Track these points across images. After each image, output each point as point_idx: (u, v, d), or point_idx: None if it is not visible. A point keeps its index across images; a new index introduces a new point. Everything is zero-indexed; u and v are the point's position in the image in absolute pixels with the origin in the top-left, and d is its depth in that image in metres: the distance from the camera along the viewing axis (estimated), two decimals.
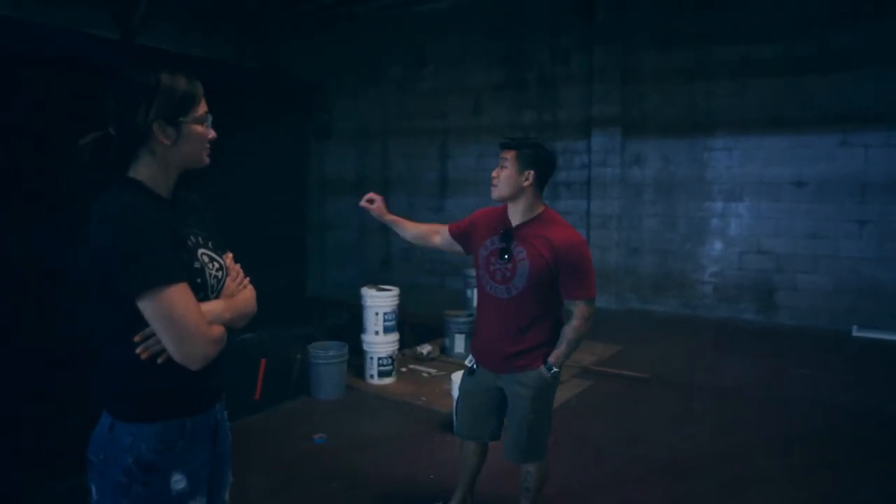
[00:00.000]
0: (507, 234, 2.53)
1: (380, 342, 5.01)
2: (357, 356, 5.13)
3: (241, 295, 1.63)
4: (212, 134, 1.58)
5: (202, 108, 1.55)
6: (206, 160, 1.59)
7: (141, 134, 1.46)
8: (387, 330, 5.03)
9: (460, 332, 5.71)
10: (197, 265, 1.51)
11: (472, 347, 2.74)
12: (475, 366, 2.68)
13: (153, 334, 1.41)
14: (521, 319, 2.53)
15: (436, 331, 6.20)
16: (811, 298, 7.07)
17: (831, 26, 6.72)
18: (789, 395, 4.81)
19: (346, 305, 7.56)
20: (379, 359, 5.02)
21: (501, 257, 2.50)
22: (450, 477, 3.56)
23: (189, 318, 1.39)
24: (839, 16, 6.69)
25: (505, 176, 2.50)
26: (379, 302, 5.04)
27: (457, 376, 4.13)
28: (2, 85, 5.51)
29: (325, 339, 5.23)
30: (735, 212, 7.47)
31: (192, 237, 1.55)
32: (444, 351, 5.84)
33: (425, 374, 5.31)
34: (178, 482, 1.50)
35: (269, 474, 3.58)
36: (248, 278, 1.69)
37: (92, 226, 1.39)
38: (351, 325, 5.94)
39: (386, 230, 10.01)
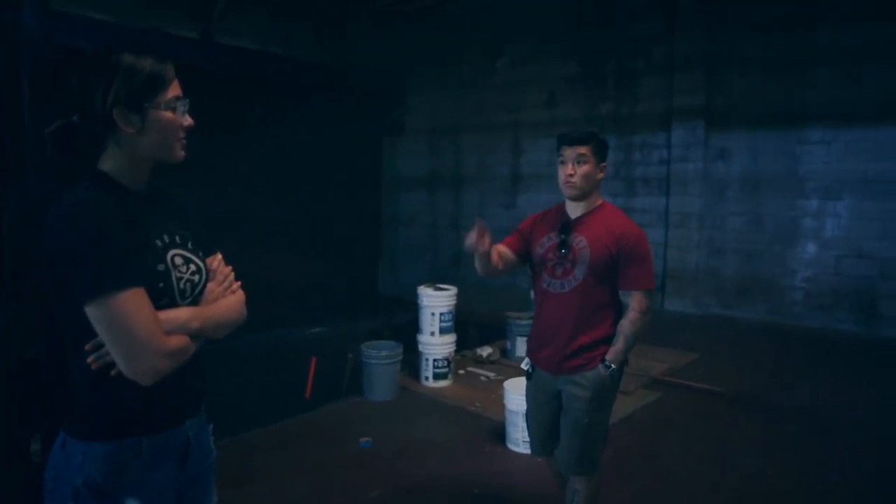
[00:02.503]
0: (566, 227, 2.44)
1: (435, 343, 4.85)
2: (415, 356, 4.99)
3: (222, 301, 1.47)
4: (187, 121, 1.41)
5: (172, 91, 1.38)
6: (180, 153, 1.42)
7: (103, 121, 1.33)
8: (443, 331, 4.86)
9: (521, 335, 5.46)
10: (161, 268, 1.37)
11: (528, 350, 2.60)
12: (531, 369, 2.56)
13: (104, 344, 1.28)
14: (581, 313, 2.40)
15: (499, 332, 5.98)
16: None
17: None
18: (884, 421, 4.27)
19: (414, 303, 7.48)
20: (434, 360, 4.86)
21: (560, 250, 2.41)
22: (496, 491, 3.36)
23: (139, 327, 1.24)
24: None
25: (583, 172, 2.39)
26: (435, 302, 4.88)
27: (511, 385, 3.91)
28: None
29: (390, 337, 5.12)
30: (832, 211, 6.79)
31: (164, 237, 1.41)
32: (506, 354, 5.62)
33: (483, 378, 5.11)
34: None
35: (309, 477, 3.49)
36: (238, 283, 1.54)
37: (46, 224, 1.27)
38: (414, 324, 5.83)
39: (458, 227, 9.97)
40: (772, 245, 7.12)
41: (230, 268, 1.55)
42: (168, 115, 1.38)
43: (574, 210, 2.48)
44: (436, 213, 10.24)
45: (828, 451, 3.84)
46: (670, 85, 7.57)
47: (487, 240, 2.31)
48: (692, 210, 7.47)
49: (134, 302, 1.25)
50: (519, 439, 3.77)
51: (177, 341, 1.32)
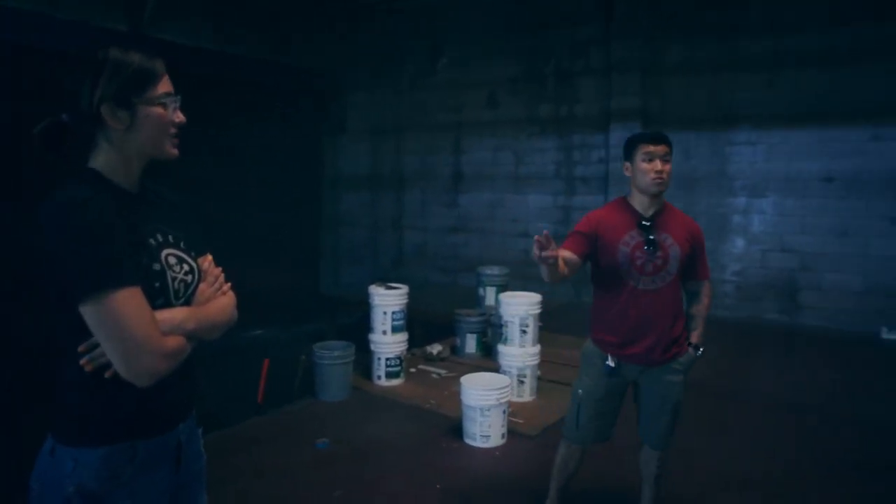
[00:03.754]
0: (648, 226, 2.53)
1: (388, 342, 4.84)
2: (366, 356, 4.97)
3: (215, 302, 1.45)
4: (179, 118, 1.39)
5: (163, 87, 1.36)
6: (172, 150, 1.40)
7: (92, 118, 1.29)
8: (395, 329, 4.86)
9: (472, 332, 5.53)
10: (156, 267, 1.34)
11: (609, 347, 2.61)
12: (616, 365, 2.60)
13: (99, 345, 1.24)
14: (675, 306, 2.59)
15: (447, 330, 6.03)
16: (838, 299, 6.78)
17: (863, 17, 6.42)
18: (817, 403, 4.56)
19: (357, 304, 7.42)
20: (387, 359, 4.85)
21: (647, 248, 2.50)
22: (459, 485, 3.39)
23: (137, 327, 1.21)
24: (873, 6, 6.38)
25: (669, 170, 2.51)
26: (387, 300, 4.87)
27: (467, 380, 3.96)
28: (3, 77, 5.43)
29: (335, 338, 5.07)
30: (759, 208, 7.19)
31: (157, 236, 1.38)
32: (455, 351, 5.66)
33: (435, 376, 5.14)
34: None
35: (267, 480, 3.43)
36: (228, 284, 1.52)
37: (37, 223, 1.22)
38: (361, 325, 5.79)
39: (400, 227, 9.97)
40: (706, 241, 7.44)
41: (220, 269, 1.52)
42: (158, 110, 1.36)
43: (646, 208, 2.56)
44: (377, 214, 10.19)
45: (763, 431, 4.08)
46: (608, 87, 7.81)
47: (554, 249, 2.29)
48: None
49: (131, 301, 1.22)
50: (476, 434, 3.83)
51: (174, 342, 1.30)
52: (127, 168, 1.37)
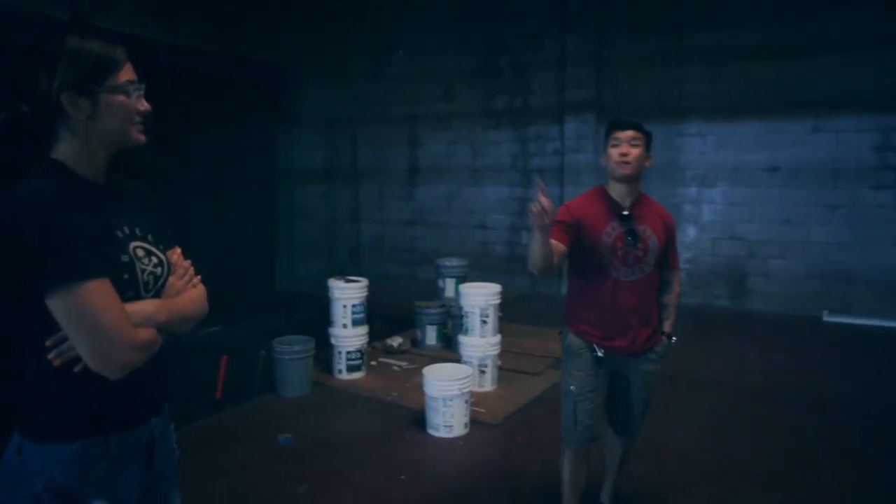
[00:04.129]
0: (626, 217, 2.52)
1: (348, 335, 4.82)
2: (325, 350, 4.93)
3: (186, 294, 1.43)
4: (143, 106, 1.37)
5: (125, 75, 1.34)
6: (139, 137, 1.38)
7: (52, 108, 1.26)
8: (355, 323, 4.84)
9: (432, 324, 5.54)
10: (125, 259, 1.32)
11: (593, 337, 2.56)
12: (600, 353, 2.56)
13: (67, 338, 1.21)
14: (652, 297, 2.63)
15: (407, 322, 6.03)
16: (783, 284, 7.06)
17: (805, 13, 6.67)
18: (764, 384, 4.75)
19: (314, 298, 7.35)
20: (347, 353, 4.83)
21: (628, 239, 2.49)
22: (421, 477, 3.41)
23: (106, 318, 1.19)
24: (812, 3, 6.63)
25: (637, 155, 2.47)
26: (347, 294, 4.84)
27: (430, 371, 3.97)
28: None
29: (293, 333, 5.01)
30: (708, 197, 7.41)
31: (124, 228, 1.36)
32: (416, 343, 5.67)
33: (396, 368, 5.14)
34: None
35: (231, 478, 3.38)
36: (198, 276, 1.50)
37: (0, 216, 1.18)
38: (319, 319, 5.74)
39: (357, 220, 9.90)
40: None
41: (189, 262, 1.50)
42: (120, 99, 1.33)
43: (623, 197, 2.54)
44: (334, 207, 10.10)
45: (715, 410, 4.22)
46: (563, 79, 7.91)
47: (550, 204, 2.14)
48: None
49: (101, 292, 1.19)
50: (439, 424, 3.85)
51: (145, 333, 1.28)
52: (90, 158, 1.34)
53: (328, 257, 10.00)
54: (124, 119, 1.34)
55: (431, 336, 5.55)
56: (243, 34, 9.13)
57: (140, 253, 1.37)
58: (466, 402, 3.90)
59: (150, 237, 1.43)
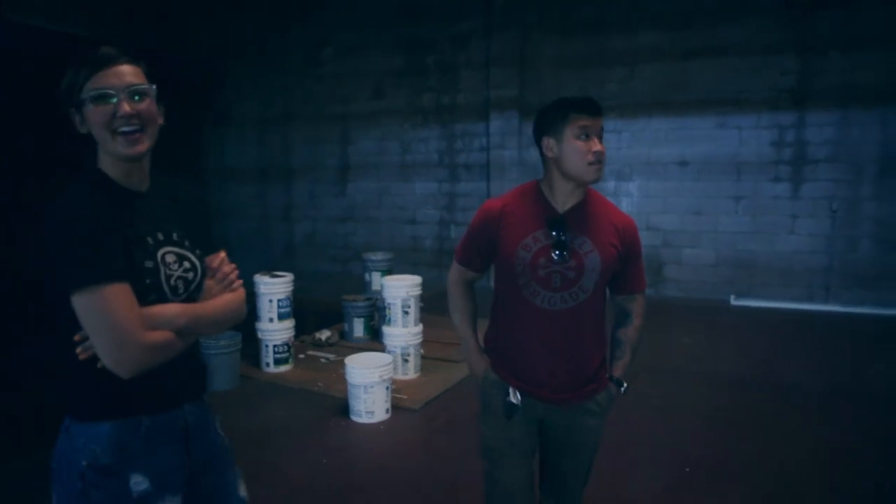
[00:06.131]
0: (558, 223, 1.87)
1: (275, 329, 4.92)
2: (253, 345, 5.02)
3: (218, 298, 1.50)
4: (123, 110, 1.36)
5: (95, 83, 1.36)
6: (121, 149, 1.38)
7: (73, 125, 1.39)
8: (281, 317, 4.95)
9: (359, 316, 5.69)
10: (149, 264, 1.40)
11: (509, 375, 1.96)
12: (518, 402, 1.92)
13: None
14: (594, 331, 1.96)
15: (337, 316, 6.15)
16: (695, 271, 7.52)
17: (709, 20, 7.13)
18: (672, 365, 5.10)
19: (247, 296, 7.38)
20: (275, 346, 4.93)
21: (556, 254, 1.85)
22: (343, 459, 3.57)
23: (119, 320, 1.28)
24: (716, 11, 7.09)
25: (603, 150, 1.87)
26: (272, 289, 4.94)
27: (351, 360, 4.13)
28: None
29: None
30: (626, 191, 7.81)
31: (158, 234, 1.44)
32: (344, 336, 5.81)
33: (323, 360, 5.27)
34: (139, 483, 1.39)
35: None
36: (239, 281, 1.56)
37: (42, 220, 1.31)
38: (248, 315, 5.80)
39: (289, 219, 9.93)
40: None
41: (232, 266, 1.56)
42: (91, 109, 1.36)
43: (563, 199, 1.91)
44: (267, 205, 10.10)
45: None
46: (488, 78, 8.17)
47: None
48: None
49: (114, 295, 1.29)
50: (361, 411, 4.02)
51: (158, 336, 1.35)
52: (118, 167, 1.42)
53: (262, 255, 9.98)
54: (101, 129, 1.37)
55: (359, 328, 5.70)
56: (171, 31, 9.01)
57: (170, 258, 1.44)
58: (387, 388, 4.08)
59: (186, 242, 1.49)
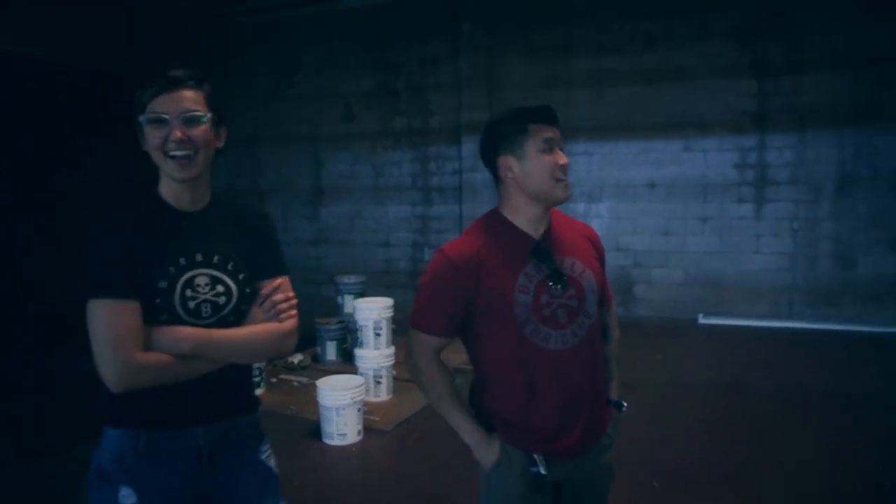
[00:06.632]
0: (543, 251, 1.66)
1: None
2: None
3: (247, 327, 1.48)
4: (175, 136, 1.40)
5: (154, 106, 1.41)
6: (173, 172, 1.43)
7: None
8: None
9: (332, 339, 5.68)
10: (162, 285, 1.39)
11: (533, 443, 1.67)
12: (543, 469, 1.63)
13: None
14: (600, 358, 1.78)
15: (311, 339, 6.12)
16: (664, 290, 7.65)
17: (671, 44, 7.35)
18: (643, 378, 5.17)
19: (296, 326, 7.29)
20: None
21: (554, 286, 1.63)
22: (314, 481, 3.55)
23: (108, 336, 1.31)
24: (677, 35, 7.32)
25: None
26: None
27: (323, 382, 4.12)
28: None
29: None
30: (596, 212, 7.94)
31: (196, 254, 1.44)
32: (317, 359, 5.79)
33: (296, 384, 5.24)
34: (126, 497, 1.40)
35: None
36: (292, 311, 1.54)
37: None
38: None
39: None
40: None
41: (286, 295, 1.53)
42: (148, 132, 1.43)
43: (535, 224, 1.69)
44: None
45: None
46: (458, 101, 8.29)
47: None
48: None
49: (111, 312, 1.32)
50: (333, 433, 4.00)
51: (151, 357, 1.35)
52: (170, 187, 1.47)
53: None
54: (155, 151, 1.43)
55: (332, 351, 5.69)
56: (133, 54, 8.98)
57: (201, 280, 1.43)
58: (359, 410, 4.07)
59: (229, 265, 1.48)
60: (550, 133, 1.64)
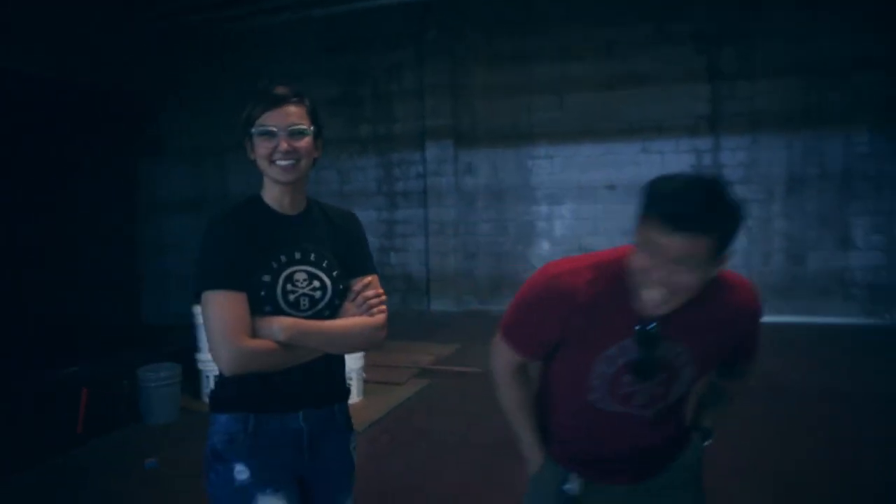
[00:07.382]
0: (652, 337, 1.39)
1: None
2: (195, 379, 4.97)
3: (341, 320, 1.61)
4: (283, 147, 1.56)
5: (266, 119, 1.57)
6: (275, 173, 1.59)
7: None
8: None
9: None
10: (266, 279, 1.54)
11: (572, 463, 1.61)
12: (576, 492, 1.59)
13: None
14: (683, 417, 1.62)
15: None
16: None
17: (629, 50, 7.60)
18: None
19: (187, 330, 7.24)
20: (215, 377, 4.90)
21: (644, 376, 1.44)
22: None
23: (217, 324, 1.46)
24: (635, 42, 7.56)
25: (692, 282, 1.33)
26: None
27: None
28: None
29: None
30: (559, 214, 8.13)
31: (295, 252, 1.58)
32: None
33: None
34: (241, 472, 1.54)
35: None
36: (382, 307, 1.66)
37: None
38: (189, 349, 5.73)
39: None
40: (515, 246, 8.27)
41: (375, 292, 1.66)
42: (259, 141, 1.58)
43: (659, 306, 1.35)
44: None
45: None
46: (422, 108, 8.41)
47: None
48: (448, 219, 8.37)
49: (221, 302, 1.48)
50: None
51: (257, 343, 1.49)
52: (273, 192, 1.62)
53: None
54: (263, 159, 1.58)
55: None
56: (103, 65, 8.89)
57: (299, 276, 1.58)
58: None
59: (324, 263, 1.62)
60: (675, 243, 1.27)
